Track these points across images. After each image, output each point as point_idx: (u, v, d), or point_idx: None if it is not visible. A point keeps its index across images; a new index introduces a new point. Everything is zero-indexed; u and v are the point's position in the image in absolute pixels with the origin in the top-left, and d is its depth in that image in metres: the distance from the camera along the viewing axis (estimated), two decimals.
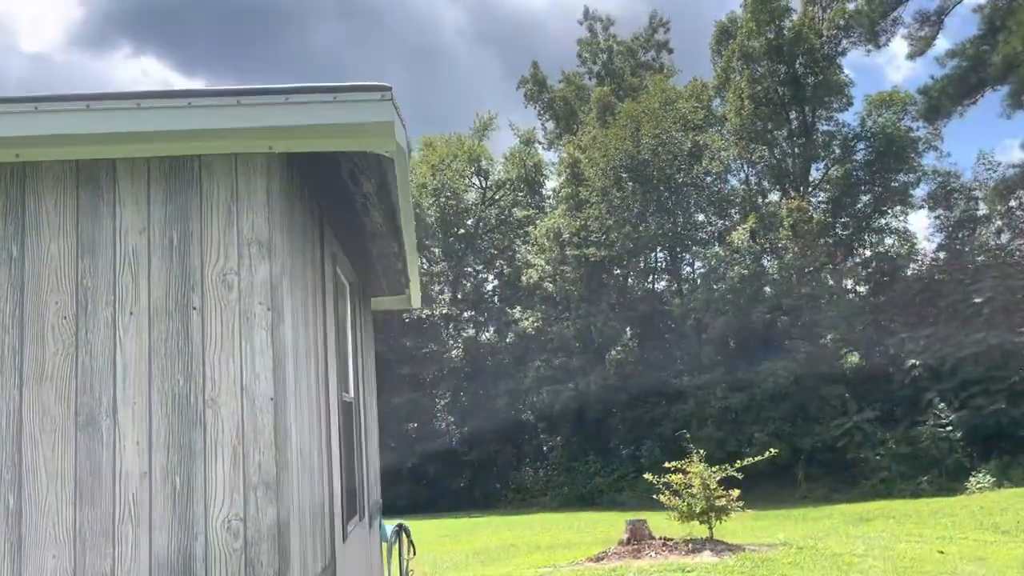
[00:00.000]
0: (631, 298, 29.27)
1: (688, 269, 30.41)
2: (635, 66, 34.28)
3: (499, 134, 38.72)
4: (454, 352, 31.57)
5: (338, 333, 5.17)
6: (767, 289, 26.66)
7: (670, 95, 28.92)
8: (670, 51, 34.97)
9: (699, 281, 28.81)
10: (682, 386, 26.48)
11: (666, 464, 12.72)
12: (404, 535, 8.33)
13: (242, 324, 3.28)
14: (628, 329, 29.35)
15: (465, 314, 32.06)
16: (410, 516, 25.32)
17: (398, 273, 7.03)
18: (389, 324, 30.58)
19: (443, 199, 31.73)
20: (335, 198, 4.61)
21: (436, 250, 32.93)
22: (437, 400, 31.12)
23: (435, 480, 29.67)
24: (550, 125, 34.58)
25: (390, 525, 8.09)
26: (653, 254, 29.23)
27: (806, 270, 26.35)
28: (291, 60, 65.53)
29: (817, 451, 23.34)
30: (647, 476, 12.85)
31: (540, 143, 34.56)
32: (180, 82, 71.86)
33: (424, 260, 32.89)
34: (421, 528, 19.73)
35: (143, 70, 71.88)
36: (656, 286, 30.24)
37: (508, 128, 35.11)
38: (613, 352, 29.12)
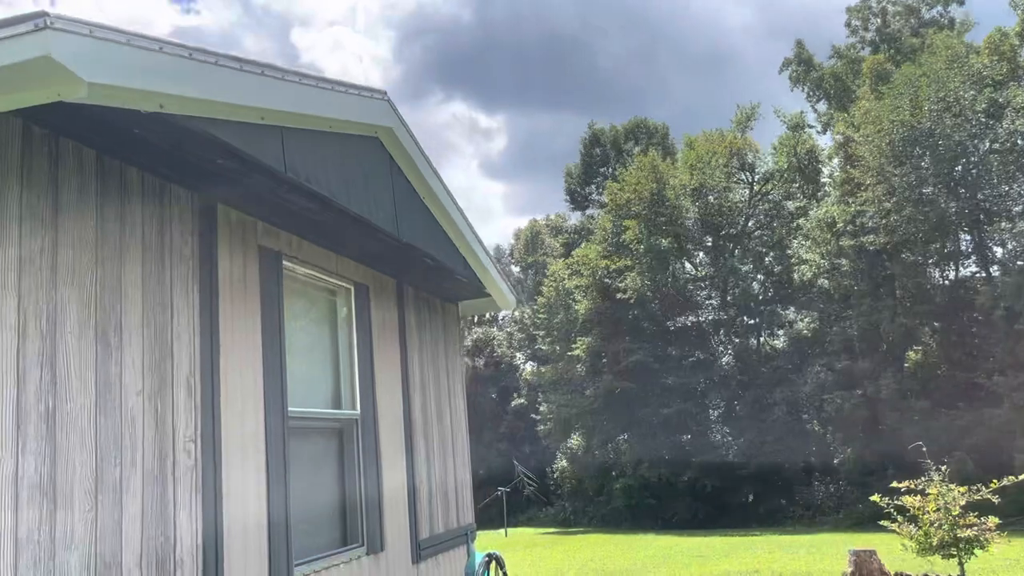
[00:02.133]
0: (925, 289, 25.45)
1: (999, 250, 25.77)
2: (917, 25, 30.00)
3: (766, 124, 35.98)
4: (724, 359, 29.67)
5: (272, 339, 4.70)
6: None
7: (958, 51, 24.84)
8: (961, 2, 30.13)
9: (1014, 264, 24.24)
10: (995, 387, 22.43)
11: (895, 484, 10.52)
12: (496, 567, 7.61)
13: None
14: (923, 325, 25.53)
15: (735, 318, 30.03)
16: (688, 532, 24.16)
17: (441, 271, 6.42)
18: (653, 333, 29.58)
19: (707, 198, 30.13)
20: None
21: (700, 254, 31.32)
22: (710, 410, 29.44)
23: (714, 495, 28.03)
24: (821, 107, 31.43)
25: (481, 555, 7.43)
26: (948, 237, 25.17)
27: None
28: (583, 83, 67.14)
29: None
30: (874, 498, 10.73)
31: (811, 127, 31.53)
32: (485, 122, 77.10)
33: (687, 264, 31.41)
34: (675, 547, 18.62)
35: (453, 113, 77.99)
36: (956, 273, 26.00)
37: (774, 117, 32.38)
38: (910, 352, 25.49)
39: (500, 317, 45.63)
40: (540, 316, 33.65)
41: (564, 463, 32.02)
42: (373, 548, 5.57)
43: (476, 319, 50.78)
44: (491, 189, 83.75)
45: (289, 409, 4.82)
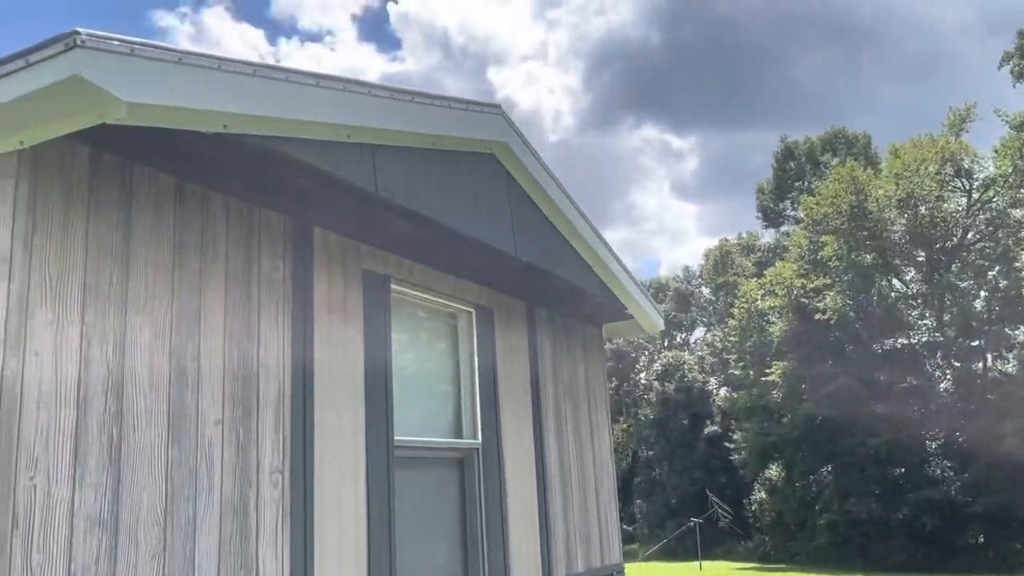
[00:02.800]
0: None
1: None
2: None
3: (984, 126, 32.54)
4: (942, 385, 26.83)
5: (377, 366, 4.51)
6: None
7: None
8: None
9: None
10: None
11: None
12: None
13: None
14: None
15: (955, 339, 27.13)
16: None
17: (574, 293, 6.06)
18: (858, 357, 27.39)
19: (916, 209, 27.58)
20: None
21: (911, 270, 28.65)
22: (927, 442, 26.70)
23: (936, 535, 25.34)
24: None
25: None
26: None
27: None
28: (777, 97, 64.52)
29: None
30: None
31: None
32: (676, 143, 76.13)
33: (895, 281, 28.84)
34: None
35: (644, 137, 77.53)
36: None
37: (994, 117, 29.20)
38: None
39: (692, 341, 44.14)
40: (731, 339, 32.12)
41: (762, 494, 30.25)
42: None
43: (667, 342, 49.56)
44: (683, 211, 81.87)
45: (396, 438, 4.61)
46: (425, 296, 5.17)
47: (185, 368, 3.50)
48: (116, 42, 2.83)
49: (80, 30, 2.72)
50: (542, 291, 6.10)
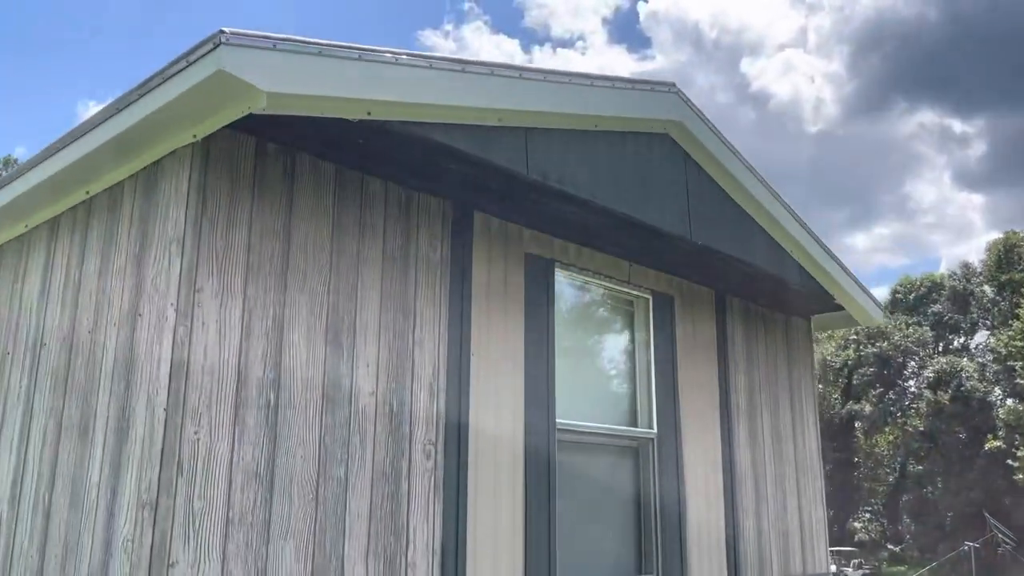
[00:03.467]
0: None
1: None
2: None
3: None
4: None
5: (539, 349, 4.58)
6: None
7: None
8: None
9: None
10: None
11: None
12: None
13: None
14: None
15: None
16: None
17: (767, 280, 5.77)
18: None
19: None
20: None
21: None
22: None
23: None
24: None
25: None
26: None
27: None
28: None
29: None
30: None
31: None
32: (959, 128, 68.98)
33: None
34: None
35: (919, 123, 71.19)
36: None
37: None
38: None
39: (973, 346, 39.87)
40: (1017, 344, 28.53)
41: None
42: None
43: (942, 347, 45.30)
44: (968, 202, 73.73)
45: (559, 422, 4.63)
46: (595, 281, 5.15)
47: (341, 342, 3.77)
48: (259, 38, 3.12)
49: (226, 29, 3.02)
50: (729, 277, 5.83)
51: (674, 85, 5.12)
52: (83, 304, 3.87)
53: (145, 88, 3.25)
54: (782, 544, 6.15)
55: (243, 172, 3.57)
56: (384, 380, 3.90)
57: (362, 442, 3.77)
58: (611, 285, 5.26)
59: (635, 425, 5.27)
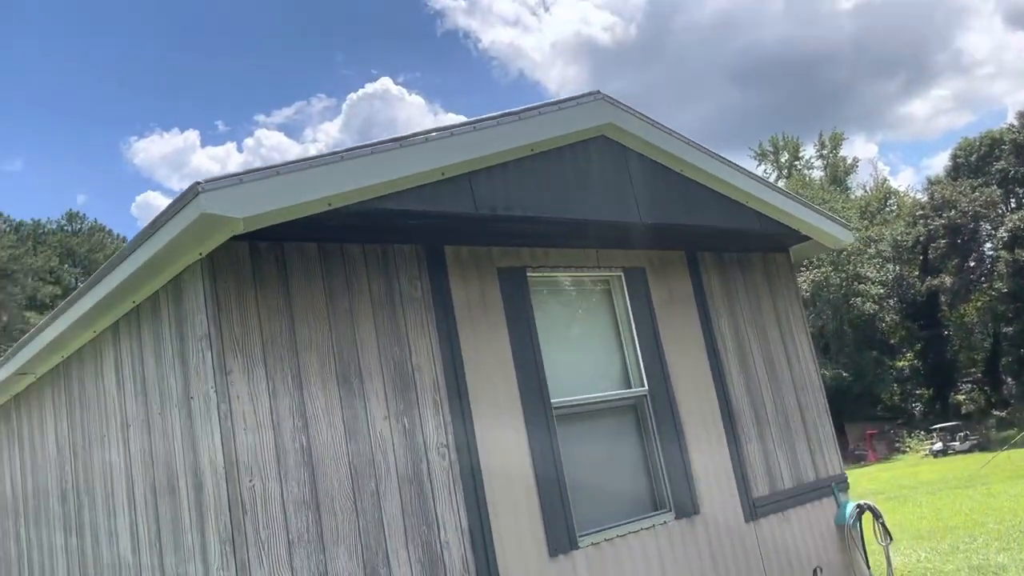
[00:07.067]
0: None
1: None
2: None
3: None
4: None
5: (524, 345, 5.43)
6: None
7: None
8: None
9: None
10: None
11: None
12: (873, 516, 7.12)
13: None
14: None
15: None
16: None
17: (729, 233, 6.49)
18: None
19: None
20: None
21: None
22: None
23: None
24: None
25: (851, 504, 7.08)
26: None
27: None
28: None
29: None
30: None
31: None
32: None
33: None
34: None
35: None
36: None
37: None
38: None
39: None
40: None
41: None
42: (683, 512, 5.93)
43: (1013, 203, 44.34)
44: None
45: (554, 400, 5.50)
46: (567, 274, 5.96)
47: (351, 382, 4.70)
48: (227, 178, 4.02)
49: (200, 181, 3.93)
50: (693, 239, 6.55)
51: (599, 92, 5.83)
52: (150, 392, 4.91)
53: (153, 228, 4.20)
54: (791, 458, 6.93)
55: (244, 270, 4.50)
56: (394, 404, 4.84)
57: (385, 457, 4.72)
58: (582, 274, 6.06)
59: (628, 387, 6.10)
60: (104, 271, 4.78)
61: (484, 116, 5.15)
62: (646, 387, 6.08)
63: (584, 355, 6.12)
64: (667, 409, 6.13)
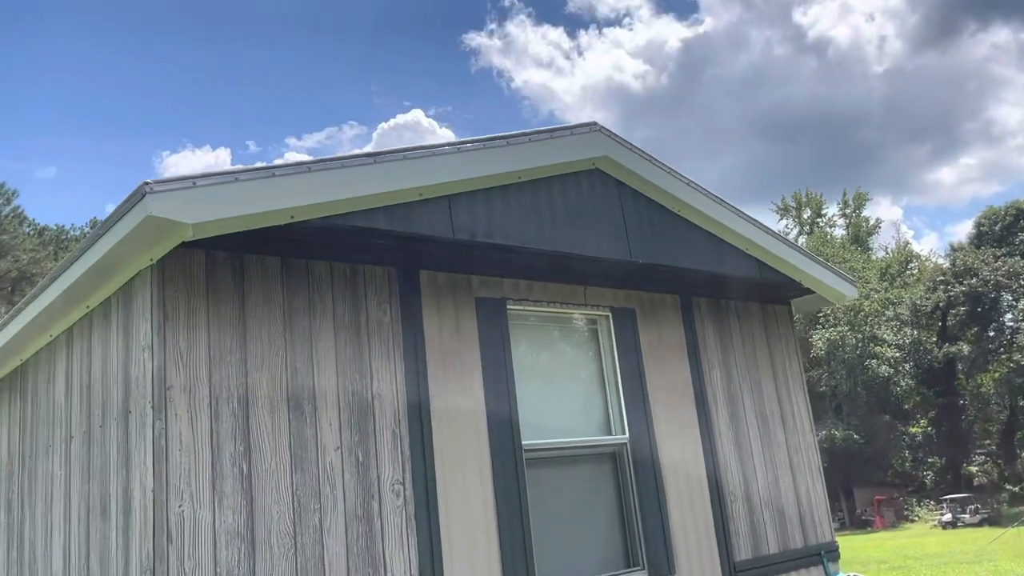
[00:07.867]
0: None
1: None
2: None
3: None
4: None
5: (497, 382, 5.13)
6: None
7: None
8: None
9: None
10: None
11: None
12: None
13: None
14: None
15: None
16: None
17: (725, 280, 6.19)
18: None
19: None
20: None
21: None
22: None
23: None
24: None
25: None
26: None
27: None
28: None
29: None
30: None
31: None
32: None
33: None
34: None
35: (992, 43, 68.07)
36: None
37: None
38: None
39: None
40: None
41: None
42: (657, 571, 5.55)
43: None
44: None
45: (525, 443, 5.17)
46: (550, 310, 5.65)
47: (303, 409, 4.40)
48: (180, 180, 3.77)
49: (149, 181, 3.68)
50: (688, 282, 6.24)
51: (595, 124, 5.57)
52: (94, 403, 4.63)
53: (103, 229, 3.95)
54: (778, 521, 6.52)
55: (197, 280, 4.23)
56: (348, 434, 4.52)
57: (332, 490, 4.40)
58: (568, 310, 5.75)
59: (609, 433, 5.76)
60: (55, 273, 4.54)
61: (470, 138, 4.90)
62: (627, 435, 5.74)
63: (563, 397, 5.79)
64: (648, 459, 5.77)
